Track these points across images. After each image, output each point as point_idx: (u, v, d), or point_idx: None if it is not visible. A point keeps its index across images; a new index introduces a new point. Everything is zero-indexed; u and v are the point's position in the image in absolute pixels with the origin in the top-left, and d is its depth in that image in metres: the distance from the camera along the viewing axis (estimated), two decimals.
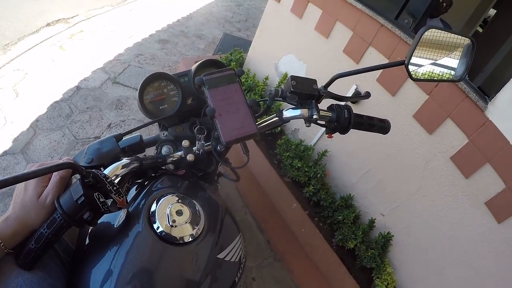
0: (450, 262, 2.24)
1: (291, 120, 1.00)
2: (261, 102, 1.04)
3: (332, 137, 1.04)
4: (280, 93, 0.94)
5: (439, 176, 2.27)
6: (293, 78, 0.92)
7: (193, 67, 1.18)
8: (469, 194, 2.10)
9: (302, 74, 3.07)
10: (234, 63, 3.57)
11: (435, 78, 0.94)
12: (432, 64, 0.92)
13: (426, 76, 0.93)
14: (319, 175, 2.79)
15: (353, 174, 2.83)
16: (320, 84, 0.98)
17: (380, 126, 1.07)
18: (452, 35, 0.90)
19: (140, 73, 4.13)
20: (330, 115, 0.98)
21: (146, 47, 4.85)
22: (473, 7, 4.38)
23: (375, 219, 2.67)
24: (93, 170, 0.70)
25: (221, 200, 1.05)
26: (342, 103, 1.04)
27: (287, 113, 0.97)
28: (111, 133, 0.95)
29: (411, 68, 0.89)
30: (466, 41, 0.92)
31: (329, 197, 2.73)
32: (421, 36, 0.84)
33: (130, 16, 5.91)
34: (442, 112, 2.22)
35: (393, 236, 2.55)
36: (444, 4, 3.47)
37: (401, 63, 0.86)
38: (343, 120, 0.95)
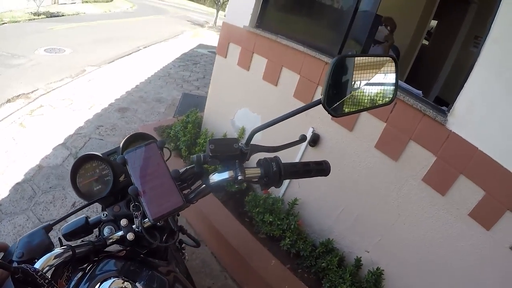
0: (449, 280, 2.14)
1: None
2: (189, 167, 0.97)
3: (268, 192, 0.95)
4: (202, 158, 0.89)
5: (415, 200, 2.22)
6: (211, 142, 0.87)
7: (121, 143, 1.14)
8: (451, 210, 2.06)
9: (257, 125, 3.05)
10: (191, 125, 3.51)
11: (364, 107, 0.86)
12: (356, 93, 0.84)
13: (353, 108, 0.84)
14: (292, 226, 2.69)
15: (329, 216, 2.75)
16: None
17: (318, 169, 1.00)
18: (369, 58, 0.85)
19: (102, 145, 4.03)
20: (258, 171, 0.91)
21: (106, 117, 4.78)
22: (415, 22, 4.57)
23: (360, 257, 2.54)
24: (22, 265, 0.66)
25: (171, 276, 0.98)
26: (274, 154, 0.97)
27: (214, 178, 0.91)
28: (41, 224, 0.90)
29: (331, 104, 0.80)
30: (387, 60, 0.86)
31: (308, 245, 2.62)
32: (332, 69, 0.75)
33: (89, 86, 5.90)
34: (403, 136, 2.21)
35: (383, 270, 2.42)
36: (388, 28, 3.53)
37: (318, 102, 0.78)
38: (272, 174, 0.90)
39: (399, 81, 2.29)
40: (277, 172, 0.89)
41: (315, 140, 2.68)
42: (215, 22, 23.11)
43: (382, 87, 0.87)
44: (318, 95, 2.58)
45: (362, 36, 2.62)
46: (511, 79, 1.81)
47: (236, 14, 3.28)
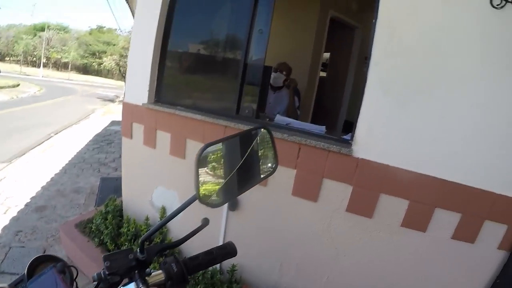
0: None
1: None
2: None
3: None
4: (103, 276, 0.82)
5: (346, 230, 2.31)
6: (105, 258, 0.82)
7: (26, 270, 1.04)
8: (383, 228, 2.18)
9: (175, 202, 3.02)
10: (111, 215, 3.31)
11: (248, 186, 0.84)
12: (235, 175, 0.82)
13: (234, 192, 0.82)
14: None
15: (271, 272, 2.68)
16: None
17: (223, 254, 0.98)
18: (238, 136, 0.83)
19: (24, 253, 3.58)
20: (162, 276, 0.86)
21: (24, 220, 4.33)
22: (309, 59, 4.77)
23: None
24: None
25: None
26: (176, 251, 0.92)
27: None
28: None
29: (209, 196, 0.78)
30: (260, 131, 0.86)
31: None
32: (198, 161, 0.73)
33: (1, 187, 5.36)
34: (315, 177, 2.29)
35: None
36: (284, 72, 3.64)
37: (193, 199, 0.76)
38: (174, 275, 0.85)
39: (301, 122, 2.41)
40: (179, 272, 0.84)
41: (233, 204, 2.65)
42: (125, 95, 22.95)
43: (262, 158, 0.86)
44: None
45: (255, 89, 2.73)
46: (397, 92, 2.03)
47: (134, 92, 3.25)
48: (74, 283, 1.00)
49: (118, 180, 5.82)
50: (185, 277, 0.85)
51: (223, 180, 0.80)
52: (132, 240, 3.03)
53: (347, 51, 4.95)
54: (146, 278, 0.84)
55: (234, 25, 2.89)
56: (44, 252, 3.63)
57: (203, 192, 0.75)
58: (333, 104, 5.01)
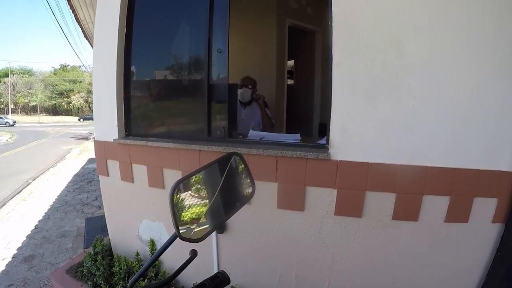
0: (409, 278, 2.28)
1: None
2: None
3: None
4: None
5: (339, 233, 2.31)
6: None
7: None
8: (375, 225, 2.22)
9: (163, 233, 2.98)
10: (100, 255, 3.23)
11: (230, 213, 0.87)
12: (213, 206, 0.82)
13: (216, 221, 0.83)
14: None
15: (271, 286, 2.64)
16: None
17: (216, 284, 0.96)
18: (210, 166, 0.83)
19: None
20: None
21: (13, 273, 4.20)
22: (274, 69, 4.76)
23: None
24: None
25: None
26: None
27: None
28: None
29: (190, 232, 0.78)
30: (231, 157, 0.86)
31: None
32: (172, 199, 0.74)
33: None
34: (297, 186, 2.31)
35: None
36: (250, 86, 3.60)
37: (174, 237, 0.76)
38: None
39: (275, 134, 2.42)
40: None
41: (221, 227, 2.61)
42: None
43: (241, 183, 0.87)
44: None
45: (223, 108, 2.74)
46: (364, 89, 2.07)
47: (103, 129, 3.19)
48: None
49: (103, 218, 5.71)
50: None
51: (205, 210, 0.81)
52: (126, 278, 2.96)
53: (311, 56, 5.00)
54: None
55: (193, 47, 2.89)
56: None
57: (183, 230, 0.76)
58: (305, 110, 5.05)
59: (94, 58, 3.19)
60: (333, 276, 2.43)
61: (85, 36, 7.76)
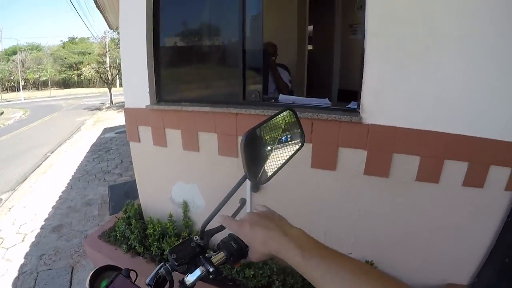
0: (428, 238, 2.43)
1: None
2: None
3: (240, 264, 0.96)
4: (170, 269, 0.90)
5: (366, 192, 2.46)
6: (171, 251, 0.89)
7: (87, 283, 1.05)
8: (399, 185, 2.35)
9: (196, 195, 3.07)
10: (134, 219, 3.35)
11: (283, 163, 0.91)
12: (272, 155, 0.89)
13: (274, 169, 0.89)
14: (274, 268, 2.64)
15: None
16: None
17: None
18: (271, 120, 0.89)
19: (53, 275, 3.63)
20: (223, 255, 0.92)
21: (44, 243, 4.35)
22: (295, 33, 4.83)
23: None
24: None
25: None
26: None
27: (189, 279, 0.91)
28: None
29: (256, 175, 0.85)
30: (286, 112, 0.92)
31: (298, 276, 2.57)
32: (243, 146, 0.79)
33: (13, 215, 5.36)
34: (331, 148, 2.42)
35: (372, 260, 2.55)
36: (271, 52, 3.62)
37: (245, 178, 0.83)
38: (235, 251, 0.90)
39: (304, 98, 2.48)
40: (239, 248, 0.89)
41: (256, 186, 2.70)
42: (111, 101, 22.84)
43: (291, 137, 0.92)
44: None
45: (258, 72, 2.79)
46: (397, 59, 2.15)
47: (134, 96, 3.25)
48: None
49: (127, 184, 5.90)
50: (243, 251, 0.90)
51: (266, 160, 0.87)
52: (160, 239, 3.09)
53: (330, 21, 4.90)
54: (211, 259, 0.90)
55: (227, 12, 2.87)
56: (72, 270, 3.67)
57: (251, 173, 0.82)
58: (325, 76, 5.02)
59: (121, 24, 3.20)
60: (358, 232, 2.60)
61: (97, 7, 7.65)
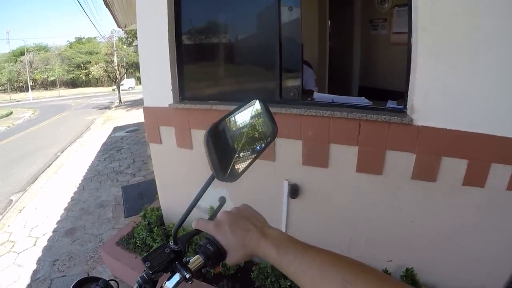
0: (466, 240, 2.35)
1: None
2: None
3: (220, 268, 0.94)
4: (146, 277, 0.84)
5: (412, 196, 2.36)
6: (144, 259, 0.84)
7: None
8: (446, 190, 2.25)
9: (226, 197, 2.85)
10: (155, 226, 3.15)
11: (254, 157, 0.86)
12: (241, 149, 0.84)
13: (245, 164, 0.84)
14: None
15: (338, 251, 2.57)
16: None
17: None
18: (236, 113, 0.84)
19: (68, 282, 3.42)
20: (201, 259, 0.86)
21: (57, 247, 4.18)
22: (316, 28, 4.69)
23: (386, 268, 2.52)
24: None
25: None
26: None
27: (169, 285, 0.86)
28: None
29: (225, 172, 0.77)
30: (252, 104, 0.87)
31: None
32: (207, 142, 0.72)
33: (24, 217, 5.23)
34: (378, 150, 2.33)
35: (412, 268, 2.48)
36: None
37: (212, 178, 0.78)
38: (212, 255, 0.83)
39: (343, 97, 2.36)
40: (216, 250, 0.83)
41: (294, 191, 2.57)
42: (120, 100, 23.11)
43: (261, 130, 0.89)
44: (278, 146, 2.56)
45: (296, 67, 2.66)
46: (448, 57, 2.04)
47: (155, 94, 3.08)
48: None
49: (140, 185, 5.79)
50: (221, 252, 0.84)
51: (234, 156, 0.83)
52: (187, 248, 2.89)
53: (349, 16, 4.76)
54: (188, 265, 0.86)
55: (261, 3, 2.67)
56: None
57: (218, 171, 0.77)
58: (346, 73, 4.90)
59: (138, 21, 3.03)
60: (400, 238, 2.50)
61: (106, 4, 7.49)
